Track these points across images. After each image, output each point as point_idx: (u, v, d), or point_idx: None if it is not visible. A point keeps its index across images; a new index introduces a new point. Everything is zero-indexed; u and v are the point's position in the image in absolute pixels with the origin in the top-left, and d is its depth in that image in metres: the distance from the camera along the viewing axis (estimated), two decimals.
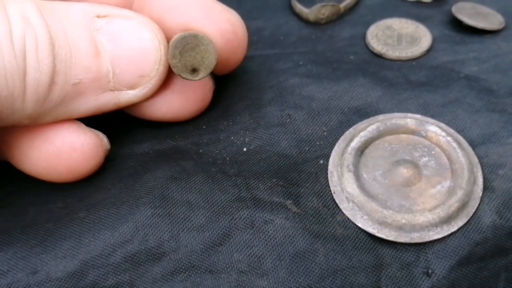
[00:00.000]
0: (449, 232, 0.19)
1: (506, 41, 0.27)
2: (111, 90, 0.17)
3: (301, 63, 0.26)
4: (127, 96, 0.18)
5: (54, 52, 0.15)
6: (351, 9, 0.29)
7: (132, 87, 0.17)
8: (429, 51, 0.26)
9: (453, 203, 0.19)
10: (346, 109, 0.23)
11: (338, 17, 0.29)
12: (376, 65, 0.26)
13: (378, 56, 0.26)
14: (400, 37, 0.27)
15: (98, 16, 0.17)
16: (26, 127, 0.18)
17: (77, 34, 0.16)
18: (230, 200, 0.20)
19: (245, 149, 0.22)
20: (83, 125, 0.19)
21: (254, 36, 0.27)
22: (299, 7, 0.29)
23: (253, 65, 0.26)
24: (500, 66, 0.25)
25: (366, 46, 0.27)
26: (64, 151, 0.18)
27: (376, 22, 0.28)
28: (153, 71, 0.17)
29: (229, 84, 0.25)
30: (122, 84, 0.17)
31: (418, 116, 0.23)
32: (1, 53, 0.14)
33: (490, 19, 0.27)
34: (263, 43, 0.27)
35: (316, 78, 0.25)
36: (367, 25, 0.28)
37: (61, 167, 0.19)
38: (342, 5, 0.28)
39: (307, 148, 0.22)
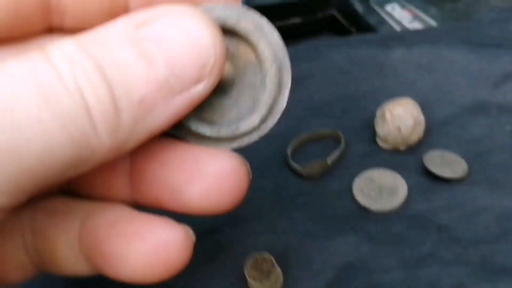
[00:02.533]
0: None
1: (470, 188, 0.32)
2: (179, 92, 0.16)
3: (298, 222, 0.30)
4: (197, 91, 0.17)
5: (107, 79, 0.15)
6: (338, 160, 0.34)
7: (198, 80, 0.17)
8: (406, 201, 0.31)
9: None
10: (340, 265, 0.28)
11: (328, 171, 0.34)
12: (363, 219, 0.31)
13: (364, 209, 0.31)
14: (381, 189, 0.32)
15: (137, 26, 0.16)
16: (118, 230, 0.19)
17: (123, 54, 0.16)
18: None
19: None
20: (170, 220, 0.19)
21: (255, 193, 0.32)
22: (294, 165, 0.34)
23: (255, 225, 0.31)
24: (465, 215, 0.30)
25: (353, 199, 0.32)
26: (160, 247, 0.19)
27: (359, 174, 0.33)
28: (211, 56, 0.16)
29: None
30: (187, 82, 0.17)
31: None
32: (59, 98, 0.15)
33: (455, 167, 0.32)
34: (265, 200, 0.32)
35: (313, 237, 0.30)
36: (353, 176, 0.33)
37: (158, 265, 0.19)
38: (330, 160, 0.34)
39: None
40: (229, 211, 0.20)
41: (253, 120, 0.18)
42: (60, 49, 0.16)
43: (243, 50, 0.18)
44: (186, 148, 0.19)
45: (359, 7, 0.55)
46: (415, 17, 0.54)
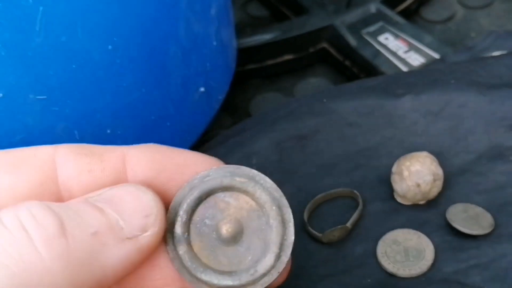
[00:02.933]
0: None
1: (499, 243, 0.30)
2: (128, 238, 0.19)
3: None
4: (145, 239, 0.19)
5: (54, 211, 0.18)
6: (357, 222, 0.33)
7: (144, 229, 0.19)
8: (434, 263, 0.30)
9: None
10: None
11: (348, 234, 0.32)
12: (392, 286, 0.29)
13: (392, 275, 0.30)
14: (407, 251, 0.31)
15: (89, 196, 0.20)
16: None
17: (76, 205, 0.19)
18: None
19: None
20: None
21: None
22: (312, 232, 0.32)
23: None
24: (498, 273, 0.29)
25: (379, 265, 0.30)
26: None
27: (382, 237, 0.32)
28: (153, 208, 0.20)
29: None
30: (135, 228, 0.19)
31: None
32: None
33: (481, 222, 0.31)
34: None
35: None
36: (375, 239, 0.32)
37: None
38: (349, 224, 0.32)
39: None
40: None
41: (268, 260, 0.19)
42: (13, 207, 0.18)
43: (244, 200, 0.20)
44: None
45: (351, 40, 0.54)
46: (411, 47, 0.53)
